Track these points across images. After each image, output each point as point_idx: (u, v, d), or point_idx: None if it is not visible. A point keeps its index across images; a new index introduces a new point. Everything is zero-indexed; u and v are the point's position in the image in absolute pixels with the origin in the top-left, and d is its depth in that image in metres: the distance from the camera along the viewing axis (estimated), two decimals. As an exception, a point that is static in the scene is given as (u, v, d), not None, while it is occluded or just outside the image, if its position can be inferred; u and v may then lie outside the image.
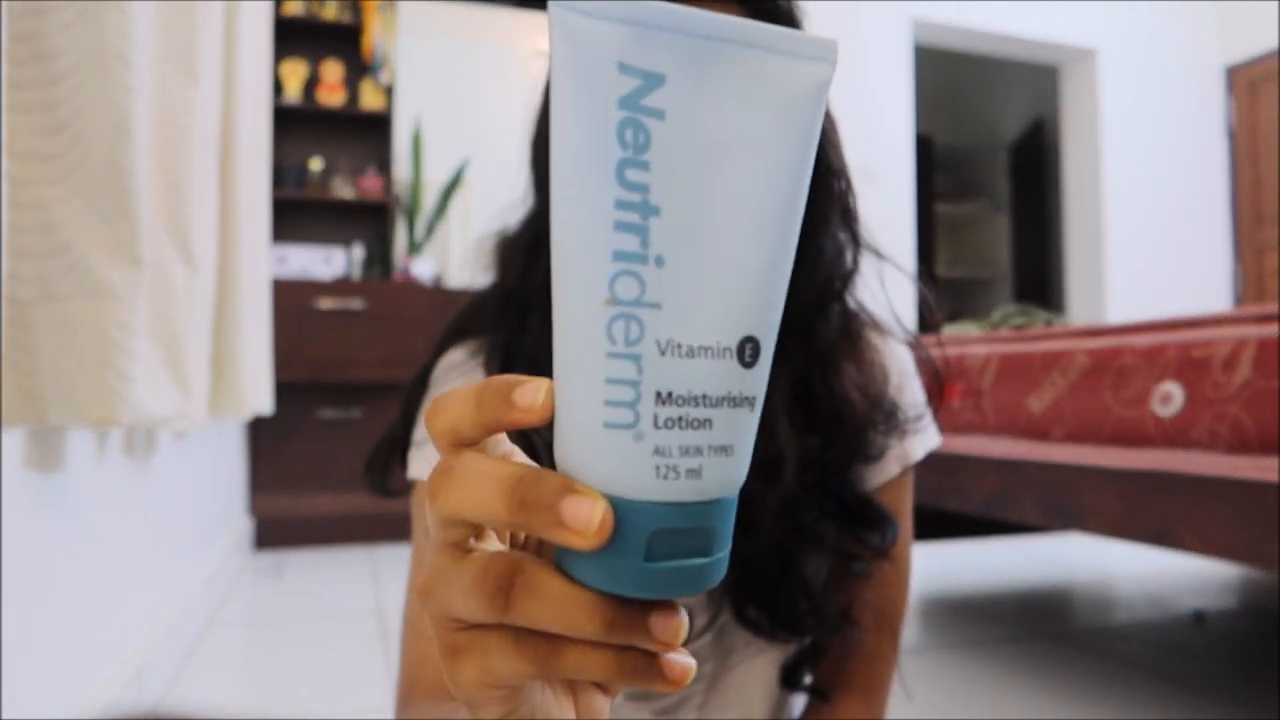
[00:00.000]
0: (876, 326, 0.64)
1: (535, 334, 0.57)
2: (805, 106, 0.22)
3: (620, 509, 0.21)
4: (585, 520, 0.21)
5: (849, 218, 0.59)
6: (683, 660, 0.24)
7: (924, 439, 0.64)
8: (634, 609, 0.22)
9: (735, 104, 0.21)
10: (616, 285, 0.21)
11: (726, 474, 0.22)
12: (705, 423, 0.21)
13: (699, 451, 0.22)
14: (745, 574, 0.57)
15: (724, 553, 0.23)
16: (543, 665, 0.23)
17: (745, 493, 0.55)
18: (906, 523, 0.65)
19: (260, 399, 2.09)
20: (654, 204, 0.21)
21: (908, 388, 0.64)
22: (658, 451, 0.21)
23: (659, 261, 0.21)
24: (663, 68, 0.20)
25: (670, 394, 0.21)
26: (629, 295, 0.21)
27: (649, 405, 0.21)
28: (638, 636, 0.22)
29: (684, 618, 0.23)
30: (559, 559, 0.23)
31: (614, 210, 0.20)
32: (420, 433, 0.60)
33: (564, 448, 0.23)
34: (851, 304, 0.62)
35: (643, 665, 0.23)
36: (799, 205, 0.22)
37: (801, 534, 0.57)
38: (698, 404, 0.21)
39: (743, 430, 0.22)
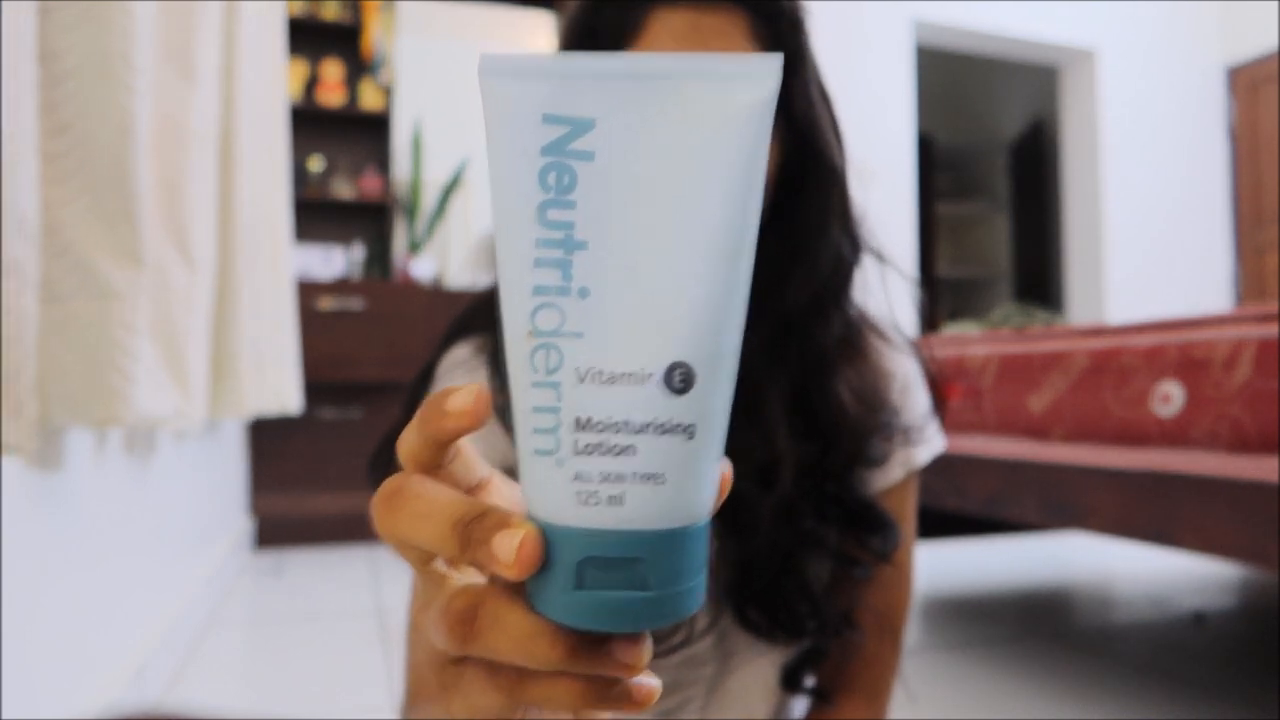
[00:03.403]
0: (881, 333, 0.64)
1: None
2: (743, 129, 0.22)
3: (550, 535, 0.22)
4: (506, 550, 0.21)
5: (847, 221, 0.59)
6: (649, 682, 0.24)
7: (929, 444, 0.64)
8: (594, 637, 0.22)
9: (668, 138, 0.22)
10: (537, 317, 0.22)
11: (656, 504, 0.22)
12: (628, 449, 0.22)
13: (620, 478, 0.22)
14: (746, 576, 0.57)
15: (674, 589, 0.22)
16: (513, 696, 0.23)
17: (742, 496, 0.55)
18: (909, 526, 0.65)
19: (287, 398, 2.09)
20: (579, 239, 0.22)
21: (912, 394, 0.64)
22: (578, 477, 0.22)
23: (583, 293, 0.22)
24: (591, 112, 0.22)
25: (589, 420, 0.22)
26: (549, 326, 0.22)
27: (568, 432, 0.22)
28: (601, 664, 0.22)
29: (647, 641, 0.23)
30: (527, 588, 0.23)
31: (534, 249, 0.22)
32: None
33: (519, 474, 0.23)
34: (854, 310, 0.61)
35: (610, 691, 0.23)
36: (746, 228, 0.22)
37: (802, 537, 0.57)
38: (618, 430, 0.22)
39: (677, 460, 0.22)
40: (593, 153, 0.22)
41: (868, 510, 0.59)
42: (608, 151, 0.22)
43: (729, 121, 0.22)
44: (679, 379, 0.22)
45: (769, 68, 0.22)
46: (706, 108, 0.22)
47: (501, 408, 0.58)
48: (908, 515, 0.65)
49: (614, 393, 0.22)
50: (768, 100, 0.22)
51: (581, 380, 0.22)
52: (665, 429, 0.22)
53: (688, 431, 0.22)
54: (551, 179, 0.22)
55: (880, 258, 0.61)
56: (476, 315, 0.63)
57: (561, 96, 0.22)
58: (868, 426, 0.58)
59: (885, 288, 0.62)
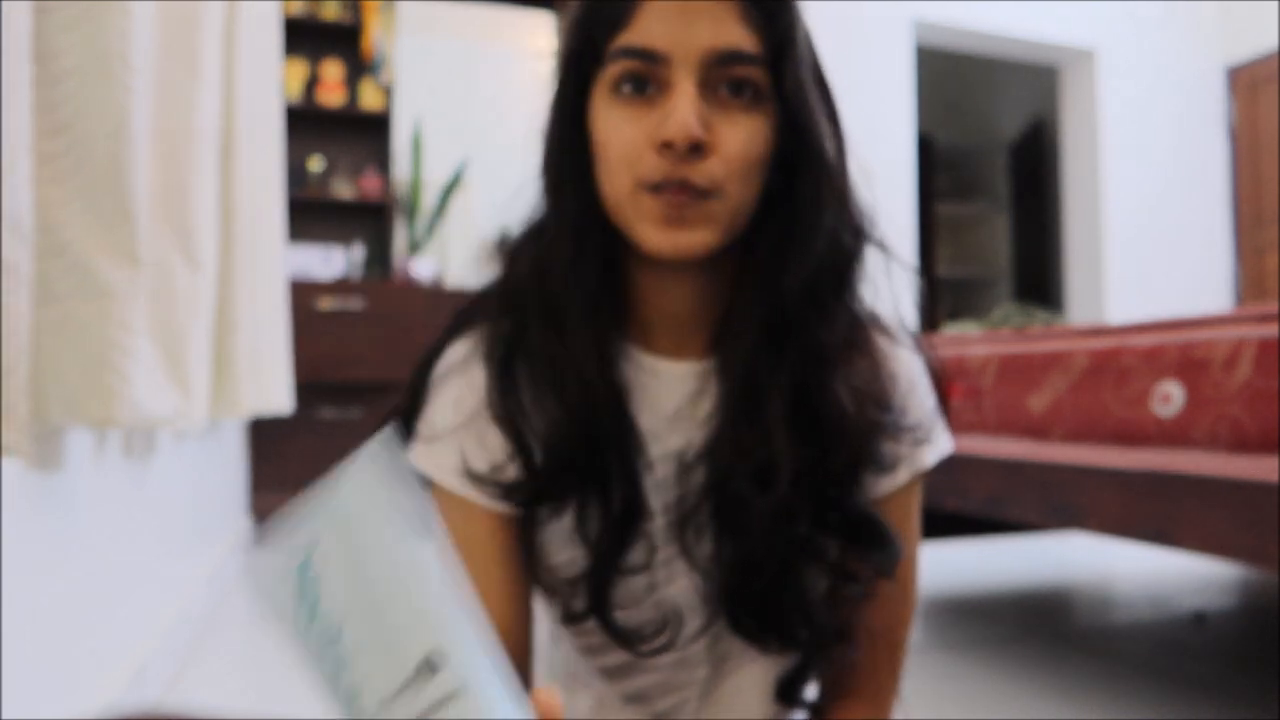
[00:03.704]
0: (885, 331, 0.62)
1: (538, 332, 0.57)
2: (375, 512, 0.31)
3: None
4: None
5: (844, 207, 0.58)
6: None
7: (935, 446, 0.63)
8: None
9: (349, 540, 0.30)
10: (339, 682, 0.30)
11: None
12: None
13: None
14: (741, 582, 0.56)
15: None
16: None
17: (740, 497, 0.54)
18: (913, 530, 0.63)
19: (279, 398, 2.09)
20: (338, 624, 0.30)
21: (917, 394, 0.62)
22: None
23: (350, 657, 0.30)
24: (310, 546, 0.30)
25: None
26: (346, 698, 0.30)
27: None
28: None
29: None
30: None
31: (311, 641, 0.30)
32: (429, 429, 0.60)
33: None
34: (857, 305, 0.60)
35: None
36: (448, 563, 0.32)
37: (799, 543, 0.56)
38: None
39: (467, 708, 0.29)
40: (321, 569, 0.30)
41: (868, 522, 0.58)
42: (328, 564, 0.30)
43: (365, 514, 0.31)
44: (432, 664, 0.29)
45: (377, 453, 0.31)
46: (355, 510, 0.31)
47: (497, 403, 0.57)
48: (911, 519, 0.63)
49: (404, 702, 0.29)
50: (390, 475, 0.31)
51: (381, 708, 0.29)
52: (446, 698, 0.29)
53: (460, 690, 0.29)
54: (306, 591, 0.30)
55: (883, 248, 0.60)
56: (478, 307, 0.62)
57: (293, 540, 0.31)
58: (870, 427, 0.57)
59: (890, 283, 0.61)
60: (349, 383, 2.89)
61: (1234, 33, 4.44)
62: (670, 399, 0.59)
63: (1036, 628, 1.91)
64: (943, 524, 2.03)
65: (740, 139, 0.52)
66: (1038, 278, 5.28)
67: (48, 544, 0.98)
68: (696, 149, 0.51)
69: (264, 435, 2.81)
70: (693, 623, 0.60)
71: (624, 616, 0.58)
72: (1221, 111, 4.48)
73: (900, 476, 0.61)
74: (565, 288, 0.56)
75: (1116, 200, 4.24)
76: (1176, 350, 1.17)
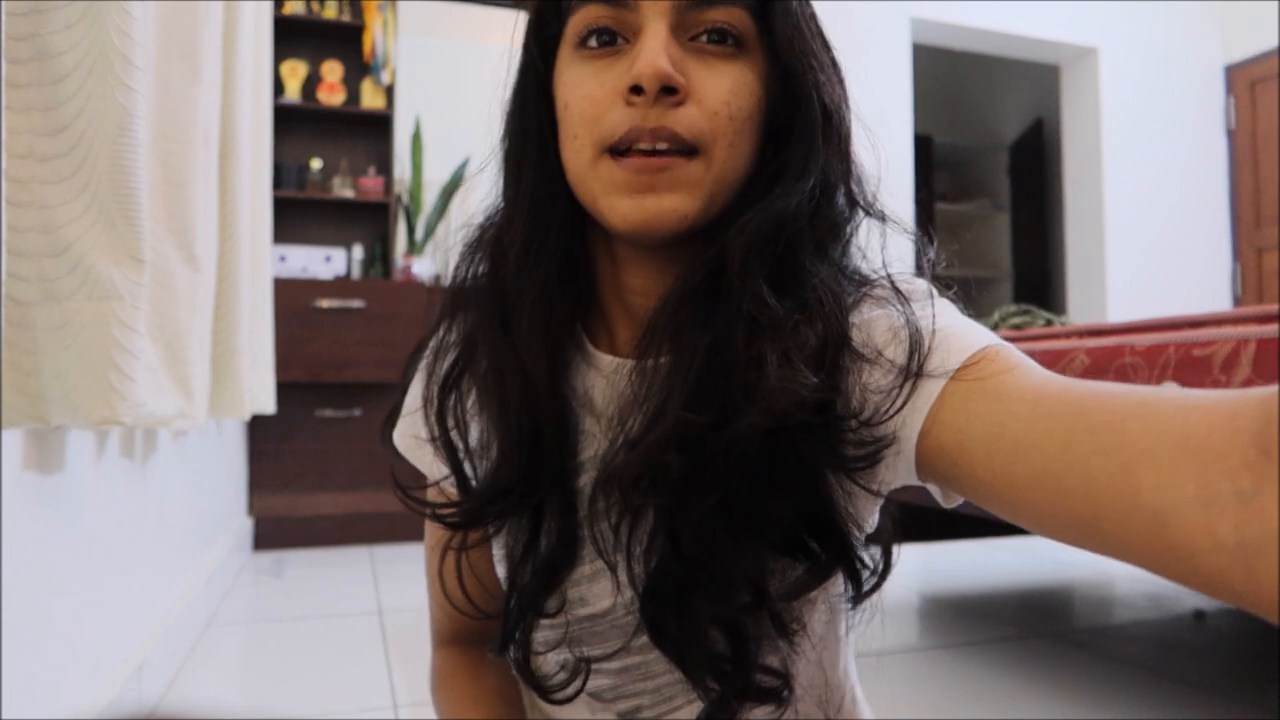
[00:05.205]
0: (876, 298, 0.50)
1: (485, 336, 0.51)
2: None
3: None
4: None
5: (846, 171, 0.51)
6: None
7: (957, 350, 0.45)
8: None
9: None
10: None
11: None
12: None
13: None
14: (657, 584, 0.48)
15: None
16: None
17: (639, 478, 0.45)
18: (1028, 368, 0.43)
19: (262, 398, 2.10)
20: None
21: (897, 343, 0.46)
22: None
23: None
24: None
25: None
26: None
27: None
28: None
29: None
30: None
31: None
32: (406, 403, 0.59)
33: None
34: (840, 276, 0.50)
35: None
36: None
37: (723, 542, 0.45)
38: None
39: None
40: None
41: (823, 529, 0.47)
42: None
43: None
44: None
45: None
46: None
47: (432, 424, 0.54)
48: (1016, 375, 0.42)
49: None
50: None
51: None
52: None
53: None
54: None
55: (884, 219, 0.53)
56: (461, 298, 0.57)
57: None
58: (797, 394, 0.42)
59: (890, 256, 0.55)
60: (349, 382, 2.88)
61: (1233, 32, 4.44)
62: (615, 399, 0.50)
63: (1037, 627, 1.91)
64: (943, 524, 2.03)
65: (723, 86, 0.45)
66: (1038, 278, 5.28)
67: (48, 544, 0.98)
68: (670, 91, 0.44)
69: (264, 435, 2.81)
70: (601, 645, 0.54)
71: (539, 660, 0.55)
72: (1219, 110, 4.48)
73: (922, 403, 0.44)
74: (517, 281, 0.50)
75: (1116, 200, 4.24)
76: (1176, 350, 1.17)
